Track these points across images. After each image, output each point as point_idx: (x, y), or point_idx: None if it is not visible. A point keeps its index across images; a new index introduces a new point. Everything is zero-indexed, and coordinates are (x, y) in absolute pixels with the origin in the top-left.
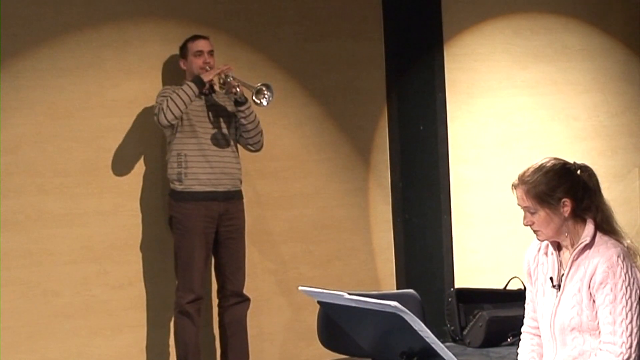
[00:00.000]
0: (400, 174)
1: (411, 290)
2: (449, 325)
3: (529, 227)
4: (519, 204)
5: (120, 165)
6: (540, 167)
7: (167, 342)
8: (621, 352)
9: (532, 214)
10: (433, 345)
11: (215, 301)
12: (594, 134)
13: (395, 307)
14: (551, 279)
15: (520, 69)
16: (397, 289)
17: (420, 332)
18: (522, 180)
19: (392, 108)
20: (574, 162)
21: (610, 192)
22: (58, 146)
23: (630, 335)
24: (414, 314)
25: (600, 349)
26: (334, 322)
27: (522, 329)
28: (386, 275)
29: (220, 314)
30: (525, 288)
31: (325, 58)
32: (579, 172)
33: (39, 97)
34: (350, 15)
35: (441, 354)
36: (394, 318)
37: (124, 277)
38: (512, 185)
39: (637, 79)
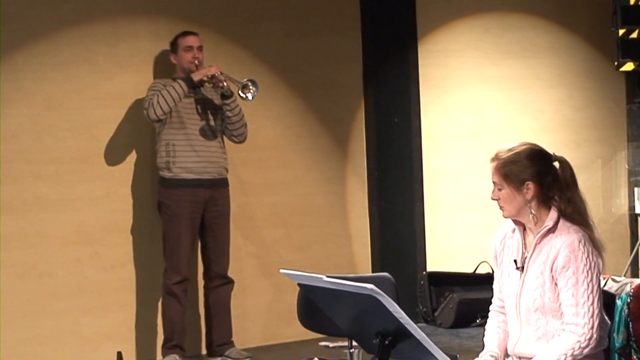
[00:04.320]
0: (376, 164)
1: (386, 274)
2: (421, 307)
3: (495, 201)
4: (491, 178)
5: (112, 153)
6: (514, 148)
7: (155, 321)
8: (583, 333)
9: (499, 189)
10: (406, 326)
11: (200, 283)
12: (559, 127)
13: (371, 289)
14: (515, 261)
15: (490, 65)
16: (373, 272)
17: (394, 313)
18: (497, 156)
19: (369, 101)
20: (553, 153)
21: None
22: (54, 135)
23: (592, 316)
24: (389, 296)
25: (564, 330)
26: (313, 303)
27: (490, 307)
28: (362, 259)
29: (205, 295)
30: (493, 271)
31: (306, 54)
32: (554, 162)
33: (35, 89)
34: (329, 13)
35: (414, 334)
36: (370, 300)
37: (115, 259)
38: (490, 159)
39: (600, 76)
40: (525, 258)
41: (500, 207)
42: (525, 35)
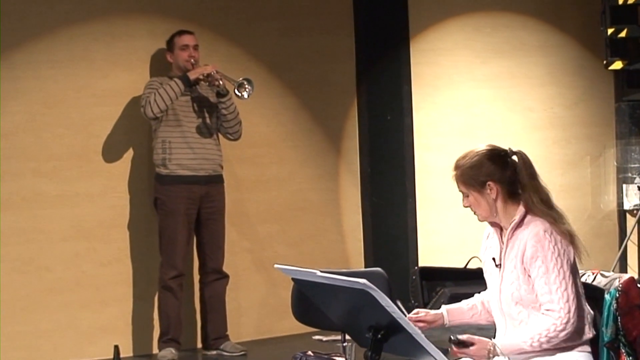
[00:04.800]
0: (368, 160)
1: (378, 269)
2: (413, 302)
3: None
4: (458, 189)
5: (109, 150)
6: (467, 154)
7: (152, 315)
8: (559, 316)
9: (467, 197)
10: (399, 320)
11: (196, 277)
12: (548, 125)
13: (364, 284)
14: (493, 259)
15: (481, 64)
16: (365, 267)
17: (387, 308)
18: (456, 166)
19: (362, 99)
20: (509, 148)
21: (563, 178)
22: (52, 132)
23: (568, 301)
24: (381, 290)
25: (543, 314)
26: (307, 298)
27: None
28: (355, 254)
29: (201, 290)
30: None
31: (300, 52)
32: (511, 157)
33: (34, 87)
34: (323, 12)
35: (406, 327)
36: (363, 294)
37: (112, 254)
38: (452, 170)
39: (589, 74)
40: (502, 255)
41: (474, 213)
42: (516, 34)
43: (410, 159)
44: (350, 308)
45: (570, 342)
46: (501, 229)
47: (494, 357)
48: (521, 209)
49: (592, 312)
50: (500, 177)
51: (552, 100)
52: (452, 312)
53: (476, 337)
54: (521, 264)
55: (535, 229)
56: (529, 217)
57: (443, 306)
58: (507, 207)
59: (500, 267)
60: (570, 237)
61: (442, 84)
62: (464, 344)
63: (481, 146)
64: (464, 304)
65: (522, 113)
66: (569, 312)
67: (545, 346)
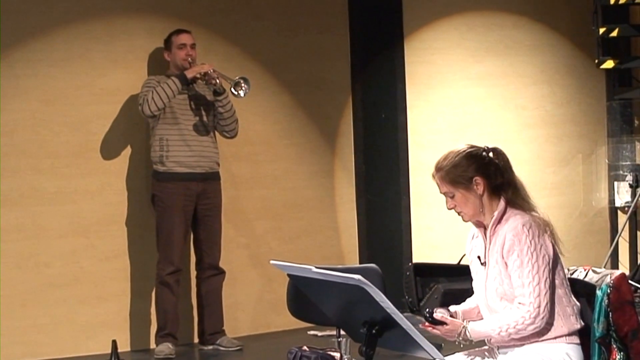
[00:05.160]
0: (363, 158)
1: (373, 265)
2: (407, 297)
3: (452, 210)
4: (440, 192)
5: (107, 148)
6: (449, 154)
7: (149, 310)
8: (528, 310)
9: (451, 197)
10: (393, 315)
11: (193, 273)
12: (541, 123)
13: (359, 280)
14: (478, 257)
15: (474, 63)
16: (360, 263)
17: (381, 303)
18: (437, 168)
19: (356, 97)
20: (485, 146)
21: (555, 176)
22: (50, 130)
23: (539, 296)
24: (376, 286)
25: (516, 306)
26: (302, 294)
27: None
28: (350, 251)
29: (197, 285)
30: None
31: (296, 51)
32: (488, 153)
33: (33, 86)
34: (318, 12)
35: (400, 323)
36: (357, 290)
37: (110, 250)
38: (432, 175)
39: (581, 73)
40: (486, 253)
41: (459, 214)
42: (508, 33)
43: (405, 157)
44: (345, 303)
45: (558, 333)
46: (485, 229)
47: (463, 340)
48: (501, 204)
49: (578, 303)
50: (485, 172)
51: (545, 98)
52: (466, 313)
53: (449, 319)
54: (502, 259)
55: (514, 223)
56: (508, 212)
57: (453, 307)
58: (492, 202)
59: (485, 264)
60: (547, 230)
61: (435, 82)
62: (437, 322)
63: (459, 146)
64: (470, 303)
65: (515, 111)
66: (538, 306)
67: (513, 337)
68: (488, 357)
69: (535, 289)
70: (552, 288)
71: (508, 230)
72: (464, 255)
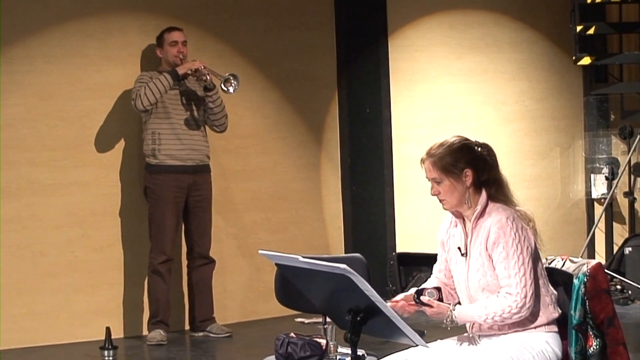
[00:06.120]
0: (348, 151)
1: (358, 254)
2: (391, 286)
3: (435, 197)
4: (426, 177)
5: (102, 141)
6: (445, 143)
7: (142, 298)
8: (515, 300)
9: (438, 183)
10: (377, 303)
11: (184, 262)
12: (520, 117)
13: (344, 269)
14: (459, 248)
15: (456, 59)
16: (346, 253)
17: (365, 292)
18: (430, 154)
19: (342, 92)
20: (475, 140)
21: (534, 169)
22: (47, 124)
23: (525, 286)
24: (360, 275)
25: (503, 296)
26: (290, 282)
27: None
28: (335, 241)
29: (188, 274)
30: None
31: (284, 48)
32: (479, 148)
33: (30, 81)
34: (305, 10)
35: (384, 310)
36: (343, 279)
37: (104, 240)
38: (421, 160)
39: (559, 69)
40: (467, 244)
41: (441, 201)
42: (489, 31)
43: (389, 150)
44: (330, 292)
45: (537, 322)
46: (463, 219)
47: (450, 322)
48: (483, 198)
49: (555, 292)
50: (476, 166)
51: (524, 94)
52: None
53: (435, 302)
54: (485, 251)
55: (498, 216)
56: (490, 205)
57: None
58: (476, 195)
59: (466, 255)
60: (530, 223)
61: (419, 78)
62: (424, 304)
63: (454, 137)
64: (432, 283)
65: (495, 106)
66: (525, 296)
67: (498, 324)
68: (470, 345)
69: (522, 280)
70: (536, 279)
71: (492, 223)
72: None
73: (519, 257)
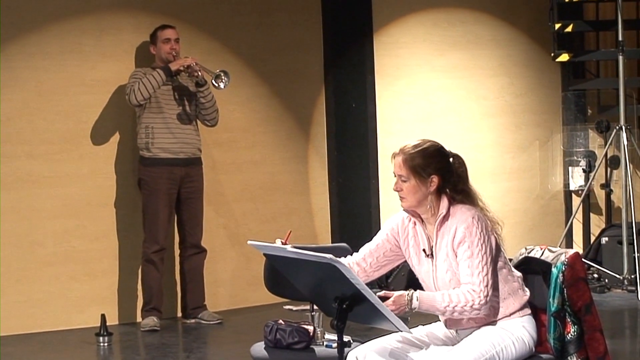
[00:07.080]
0: (335, 144)
1: (344, 244)
2: None
3: (397, 192)
4: (394, 171)
5: (97, 135)
6: (420, 145)
7: (136, 286)
8: (478, 297)
9: (404, 181)
10: (362, 291)
11: (176, 252)
12: (500, 112)
13: (331, 258)
14: (424, 250)
15: (439, 56)
16: (332, 242)
17: (351, 280)
18: (403, 152)
19: (329, 88)
20: (449, 151)
21: (514, 162)
22: (44, 119)
23: (487, 286)
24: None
25: (467, 290)
26: (278, 271)
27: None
28: (322, 231)
29: (180, 263)
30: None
31: (272, 45)
32: (451, 159)
33: (27, 77)
34: (293, 8)
35: (369, 298)
36: (330, 268)
37: (99, 230)
38: (393, 154)
39: (538, 65)
40: (432, 247)
41: (401, 198)
42: (470, 28)
43: (374, 143)
44: (317, 280)
45: (511, 309)
46: (422, 220)
47: (410, 306)
48: (445, 203)
49: (519, 273)
50: (444, 175)
51: (504, 89)
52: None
53: (391, 292)
54: (452, 251)
55: (463, 216)
56: (453, 208)
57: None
58: (438, 201)
59: (430, 257)
60: (495, 225)
61: (403, 74)
62: (384, 300)
63: (430, 142)
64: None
65: (477, 101)
66: (487, 295)
67: (455, 315)
68: (449, 338)
69: (484, 279)
70: (496, 276)
71: (459, 224)
72: None
73: (483, 257)
